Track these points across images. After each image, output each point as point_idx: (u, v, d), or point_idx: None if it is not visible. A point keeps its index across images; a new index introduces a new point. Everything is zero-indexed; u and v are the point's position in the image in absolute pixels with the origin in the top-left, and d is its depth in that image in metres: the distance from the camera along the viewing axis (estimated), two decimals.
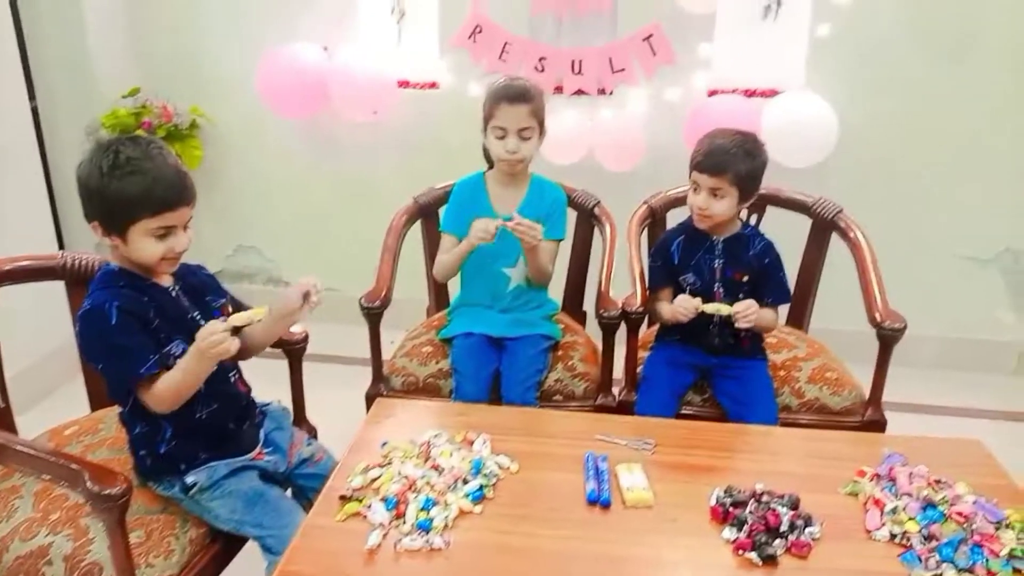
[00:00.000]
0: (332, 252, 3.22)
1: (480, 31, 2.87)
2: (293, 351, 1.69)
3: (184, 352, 1.35)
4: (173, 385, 1.33)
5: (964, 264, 2.91)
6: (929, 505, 1.31)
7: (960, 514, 1.28)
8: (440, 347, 1.98)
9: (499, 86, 1.88)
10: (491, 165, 1.98)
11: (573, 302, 2.23)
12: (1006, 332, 2.95)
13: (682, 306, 1.75)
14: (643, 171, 2.76)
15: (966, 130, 2.75)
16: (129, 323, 1.31)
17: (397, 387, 1.94)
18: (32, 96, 2.90)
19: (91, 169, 1.30)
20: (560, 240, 1.98)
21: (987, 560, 1.20)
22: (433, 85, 2.98)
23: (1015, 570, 1.19)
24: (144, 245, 1.33)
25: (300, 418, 1.74)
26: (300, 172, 3.20)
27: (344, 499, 1.34)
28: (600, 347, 1.96)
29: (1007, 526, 1.27)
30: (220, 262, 3.37)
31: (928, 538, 1.25)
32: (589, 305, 2.12)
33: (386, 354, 1.99)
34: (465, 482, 1.38)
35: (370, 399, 1.91)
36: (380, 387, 1.95)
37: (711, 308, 1.74)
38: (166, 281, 1.43)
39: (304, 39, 2.93)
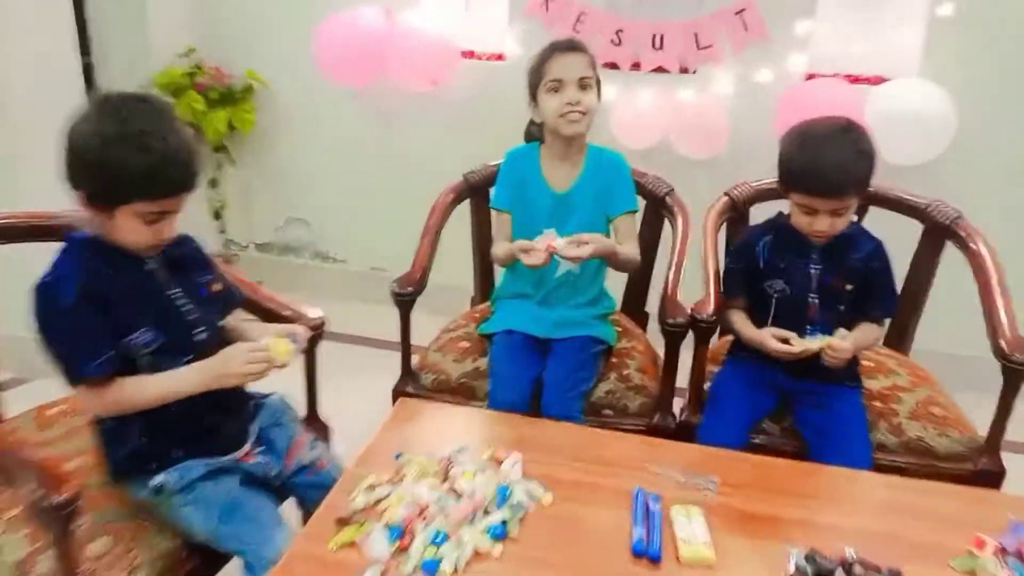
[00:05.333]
0: (379, 229, 3.07)
1: None
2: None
3: (152, 341, 1.18)
4: (147, 396, 1.18)
5: None
6: None
7: None
8: (479, 342, 1.76)
9: (546, 45, 1.67)
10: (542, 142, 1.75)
11: (634, 302, 1.98)
12: None
13: (777, 348, 1.50)
14: (725, 161, 2.56)
15: None
16: (86, 307, 1.13)
17: (427, 385, 1.73)
18: (86, 52, 2.83)
19: (92, 131, 1.12)
20: (634, 211, 1.75)
21: None
22: (500, 57, 2.80)
23: None
24: (131, 228, 1.16)
25: (312, 415, 1.55)
26: (352, 143, 3.06)
27: (341, 522, 1.14)
28: (662, 357, 1.71)
29: None
30: (270, 234, 3.31)
31: None
32: (653, 306, 1.84)
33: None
34: (486, 513, 1.16)
35: (395, 396, 1.70)
36: (407, 384, 1.74)
37: (798, 349, 1.48)
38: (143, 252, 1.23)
39: (366, 1, 2.76)
